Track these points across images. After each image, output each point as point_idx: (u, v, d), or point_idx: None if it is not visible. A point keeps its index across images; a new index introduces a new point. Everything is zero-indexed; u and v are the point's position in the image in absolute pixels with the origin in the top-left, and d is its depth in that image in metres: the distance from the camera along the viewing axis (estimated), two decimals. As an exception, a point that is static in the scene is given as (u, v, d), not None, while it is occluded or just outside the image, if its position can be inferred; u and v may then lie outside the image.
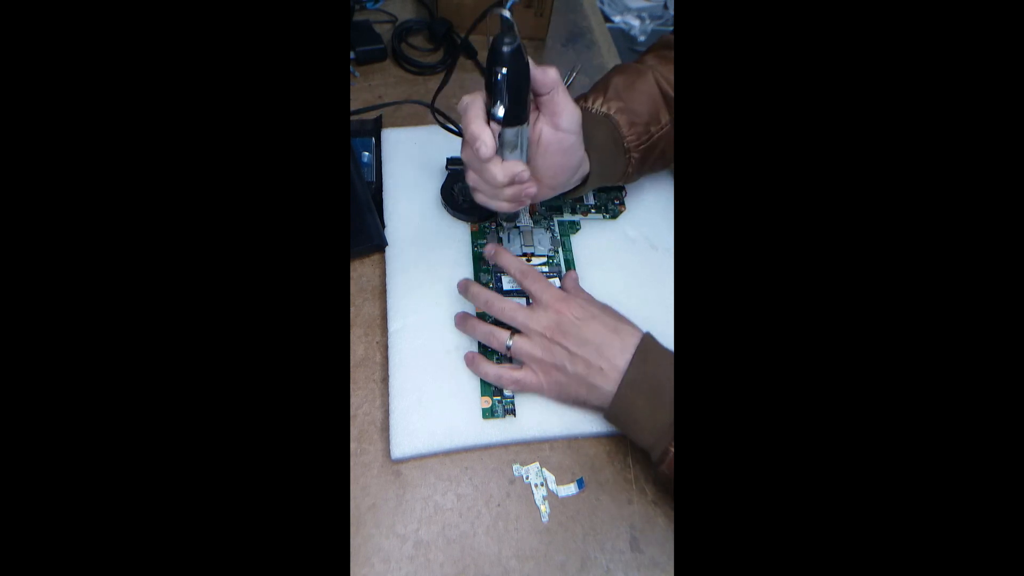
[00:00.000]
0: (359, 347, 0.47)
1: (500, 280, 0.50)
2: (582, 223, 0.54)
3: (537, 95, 0.40)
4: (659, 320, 0.43)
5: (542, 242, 0.52)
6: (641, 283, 0.51)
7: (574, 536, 0.41)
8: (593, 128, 0.45)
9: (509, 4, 0.35)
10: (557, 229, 0.54)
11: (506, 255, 0.46)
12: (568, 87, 0.41)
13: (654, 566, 0.40)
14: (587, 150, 0.44)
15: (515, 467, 0.43)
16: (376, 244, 0.51)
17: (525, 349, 0.42)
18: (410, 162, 0.56)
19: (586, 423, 0.44)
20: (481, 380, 0.45)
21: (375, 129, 0.58)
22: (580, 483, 0.43)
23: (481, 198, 0.44)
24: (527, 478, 0.43)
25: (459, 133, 0.52)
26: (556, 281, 0.50)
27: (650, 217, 0.56)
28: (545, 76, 0.38)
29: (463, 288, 0.46)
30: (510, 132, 0.39)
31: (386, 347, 0.46)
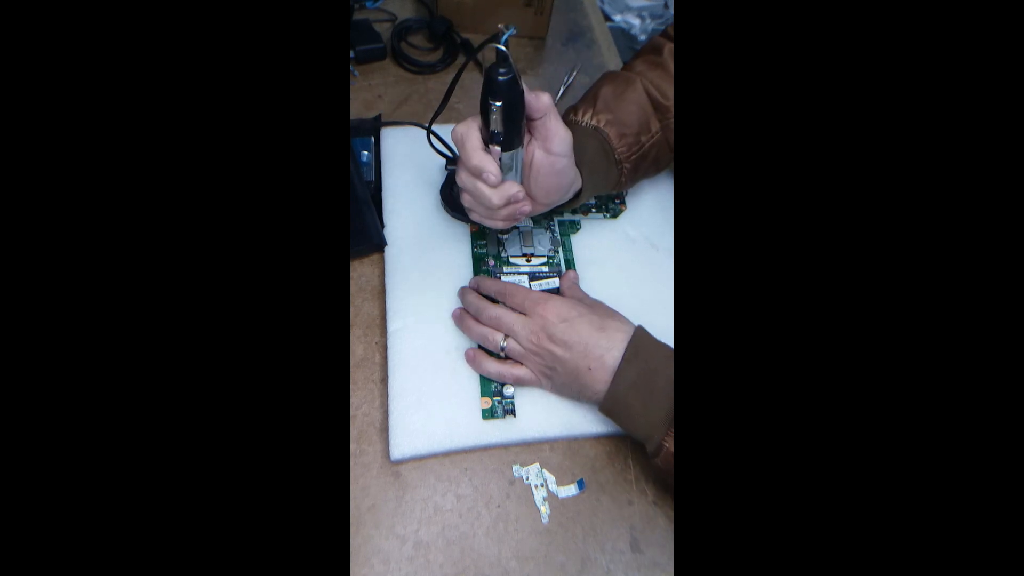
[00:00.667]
0: (359, 347, 0.47)
1: (501, 280, 0.50)
2: (582, 223, 0.54)
3: (530, 120, 0.40)
4: (659, 320, 0.43)
5: (542, 242, 0.52)
6: (641, 283, 0.51)
7: (574, 537, 0.41)
8: (583, 141, 0.45)
9: (504, 39, 0.35)
10: (557, 229, 0.53)
11: (485, 283, 0.47)
12: (568, 86, 0.41)
13: (654, 567, 0.40)
14: (578, 164, 0.45)
15: (515, 468, 0.43)
16: (375, 244, 0.51)
17: (518, 351, 0.44)
18: (410, 162, 0.56)
19: (586, 424, 0.44)
20: (481, 380, 0.45)
21: (374, 128, 0.58)
22: (580, 484, 0.43)
23: (476, 217, 0.45)
24: (527, 479, 0.43)
25: (451, 159, 0.52)
26: (556, 281, 0.50)
27: (650, 217, 0.55)
28: (538, 101, 0.39)
29: (462, 295, 0.48)
30: (506, 156, 0.40)
31: (386, 347, 0.46)
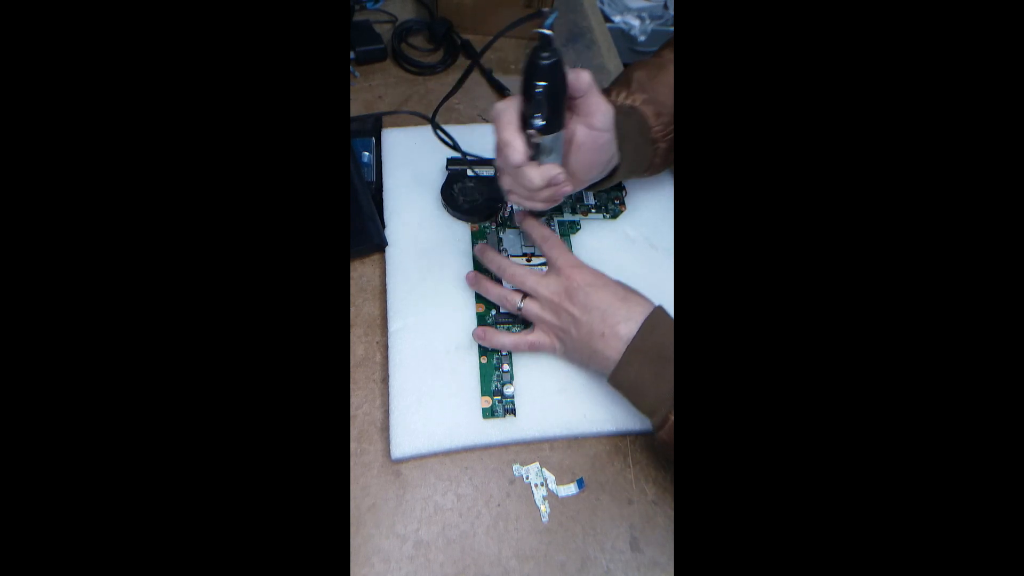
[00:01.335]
0: (359, 347, 0.47)
1: (500, 281, 0.50)
2: (582, 223, 0.54)
3: (571, 98, 0.40)
4: (659, 320, 0.43)
5: (542, 242, 0.52)
6: (641, 283, 0.51)
7: (574, 536, 0.41)
8: (619, 120, 0.45)
9: (549, 23, 0.35)
10: (557, 229, 0.53)
11: (530, 221, 0.48)
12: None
13: (654, 566, 0.40)
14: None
15: (515, 467, 0.43)
16: (376, 244, 0.51)
17: (535, 312, 0.44)
18: (410, 162, 0.56)
19: (586, 423, 0.44)
20: (481, 380, 0.45)
21: (375, 129, 0.58)
22: (580, 483, 0.43)
23: (515, 199, 0.45)
24: (527, 478, 0.43)
25: (457, 147, 0.52)
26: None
27: (650, 217, 0.56)
28: (579, 80, 0.39)
29: (482, 252, 0.48)
30: (548, 139, 0.40)
31: (386, 347, 0.46)
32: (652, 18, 1.47)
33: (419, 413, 0.43)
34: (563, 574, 0.40)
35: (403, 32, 0.69)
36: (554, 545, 0.40)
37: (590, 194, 0.56)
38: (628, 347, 0.40)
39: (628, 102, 0.47)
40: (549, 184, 0.42)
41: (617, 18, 1.47)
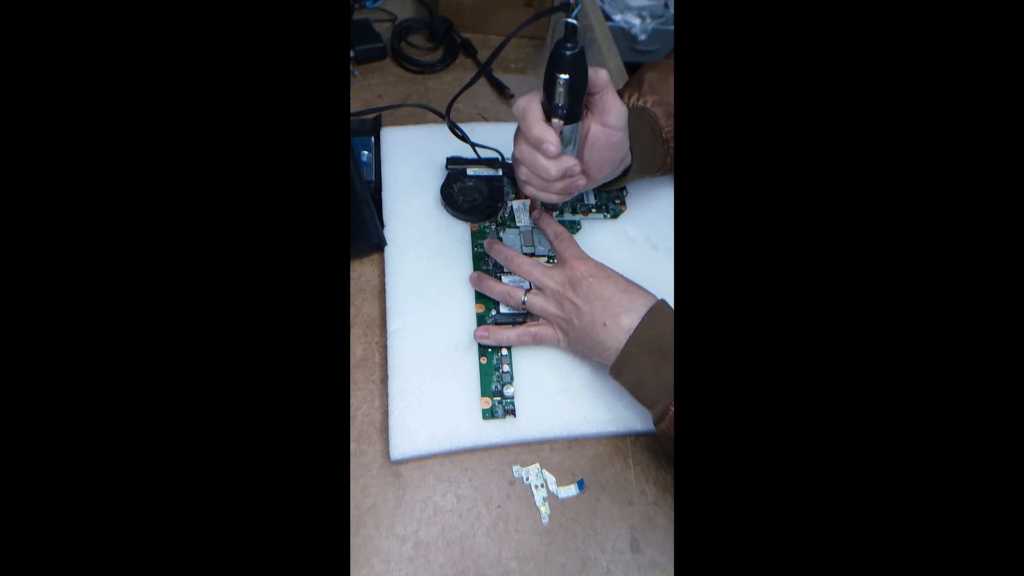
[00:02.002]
0: (358, 347, 0.47)
1: (501, 280, 0.50)
2: (582, 223, 0.54)
3: (589, 94, 0.41)
4: (660, 320, 0.43)
5: (542, 242, 0.52)
6: (641, 283, 0.50)
7: (574, 537, 0.41)
8: (632, 121, 0.46)
9: (575, 12, 0.36)
10: (557, 229, 0.53)
11: (547, 218, 0.49)
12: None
13: (654, 567, 0.40)
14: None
15: (515, 468, 0.43)
16: (375, 244, 0.51)
17: (539, 304, 0.45)
18: (410, 161, 0.56)
19: (586, 424, 0.44)
20: (481, 380, 0.45)
21: (374, 128, 0.58)
22: (580, 484, 0.43)
23: (531, 191, 0.45)
24: (527, 479, 0.43)
25: (467, 139, 0.52)
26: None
27: (650, 217, 0.55)
28: (597, 77, 0.40)
29: (490, 246, 0.49)
30: (567, 129, 0.41)
31: (385, 347, 0.46)
32: (652, 17, 1.47)
33: (418, 414, 0.43)
34: (563, 575, 0.39)
35: (403, 31, 0.68)
36: (554, 546, 0.40)
37: (591, 194, 0.56)
38: (630, 338, 0.40)
39: (640, 103, 0.48)
40: (565, 175, 0.42)
41: (617, 17, 1.46)
